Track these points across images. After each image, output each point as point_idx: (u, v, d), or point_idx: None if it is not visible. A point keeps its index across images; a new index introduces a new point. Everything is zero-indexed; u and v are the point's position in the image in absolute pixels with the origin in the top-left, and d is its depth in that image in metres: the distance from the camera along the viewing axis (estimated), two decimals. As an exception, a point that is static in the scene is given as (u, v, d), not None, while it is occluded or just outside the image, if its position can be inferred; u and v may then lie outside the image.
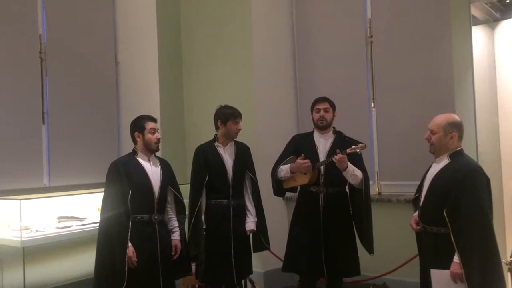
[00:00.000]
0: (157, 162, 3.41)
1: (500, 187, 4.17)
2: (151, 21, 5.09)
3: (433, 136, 2.85)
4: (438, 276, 2.73)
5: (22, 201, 3.84)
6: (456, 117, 2.89)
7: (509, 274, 3.79)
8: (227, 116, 3.52)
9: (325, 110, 3.55)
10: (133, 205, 3.18)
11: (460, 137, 2.83)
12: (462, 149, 2.85)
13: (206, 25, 5.22)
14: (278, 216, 4.64)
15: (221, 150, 3.57)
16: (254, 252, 3.64)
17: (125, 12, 5.30)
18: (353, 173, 3.38)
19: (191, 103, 5.33)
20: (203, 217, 3.51)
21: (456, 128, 2.82)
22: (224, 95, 4.84)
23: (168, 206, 3.43)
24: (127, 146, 4.51)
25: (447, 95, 4.08)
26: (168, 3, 5.27)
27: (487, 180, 2.75)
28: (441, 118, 2.85)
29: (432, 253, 2.81)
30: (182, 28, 5.41)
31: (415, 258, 3.75)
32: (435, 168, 2.88)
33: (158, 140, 3.33)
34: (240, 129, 3.56)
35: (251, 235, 3.61)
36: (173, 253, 3.34)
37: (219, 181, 3.52)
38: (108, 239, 3.15)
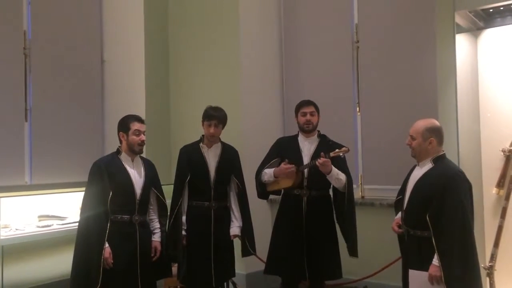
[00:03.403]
0: (141, 162, 3.38)
1: (481, 193, 4.22)
2: (138, 20, 5.07)
3: (413, 141, 2.90)
4: (416, 277, 2.78)
5: (2, 198, 3.78)
6: (434, 122, 2.93)
7: (487, 279, 3.86)
8: (204, 116, 3.49)
9: (311, 114, 3.56)
10: (114, 205, 3.16)
11: (440, 142, 2.88)
12: (444, 153, 2.90)
13: (193, 26, 5.21)
14: (262, 218, 4.64)
15: (204, 151, 3.54)
16: (242, 256, 3.61)
17: (112, 10, 5.27)
18: (337, 176, 3.39)
19: (177, 104, 5.32)
20: (183, 217, 3.48)
21: (434, 133, 2.86)
22: (210, 96, 4.84)
23: (151, 207, 3.41)
24: (111, 145, 4.47)
25: (430, 101, 4.13)
26: (156, 2, 5.25)
27: (469, 186, 2.81)
28: (419, 124, 2.90)
29: (415, 256, 2.84)
30: (169, 28, 5.40)
31: (397, 261, 3.80)
32: (418, 172, 2.92)
33: (142, 142, 3.29)
34: (211, 133, 3.44)
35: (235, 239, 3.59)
36: (152, 255, 3.32)
37: (200, 182, 3.50)
38: (86, 239, 3.13)
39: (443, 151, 2.90)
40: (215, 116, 3.45)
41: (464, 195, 2.72)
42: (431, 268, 2.69)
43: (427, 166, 2.87)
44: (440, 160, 2.85)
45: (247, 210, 3.60)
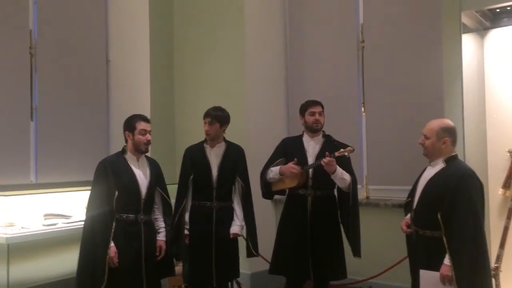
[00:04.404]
0: (146, 162, 3.39)
1: (487, 194, 4.19)
2: (143, 20, 5.07)
3: (426, 141, 2.88)
4: (427, 277, 2.76)
5: (7, 197, 3.79)
6: (449, 122, 2.92)
7: (493, 280, 3.84)
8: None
9: (320, 114, 3.57)
10: (119, 204, 3.17)
11: (453, 142, 2.87)
12: (456, 154, 2.88)
13: (198, 25, 5.21)
14: (266, 218, 4.64)
15: (208, 150, 3.55)
16: (247, 257, 3.61)
17: (117, 10, 5.28)
18: (341, 176, 3.39)
19: (182, 103, 5.32)
20: (186, 215, 3.50)
21: (449, 133, 2.85)
22: (215, 96, 4.85)
23: (155, 206, 3.42)
24: (116, 145, 4.49)
25: (436, 101, 4.11)
26: (161, 2, 5.26)
27: (481, 185, 2.80)
28: (434, 124, 2.89)
29: (424, 256, 2.83)
30: (174, 28, 5.40)
31: (401, 262, 3.79)
32: (430, 172, 2.90)
33: (148, 142, 3.30)
34: (206, 130, 3.49)
35: (240, 239, 3.58)
36: (157, 254, 3.33)
37: (203, 181, 3.51)
38: (91, 238, 3.14)
39: (456, 151, 2.89)
40: (209, 114, 3.48)
41: (475, 195, 2.71)
42: (443, 268, 2.68)
43: (439, 166, 2.86)
44: (452, 161, 2.84)
45: (251, 211, 3.59)
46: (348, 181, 3.42)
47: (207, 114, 3.50)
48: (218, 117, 3.48)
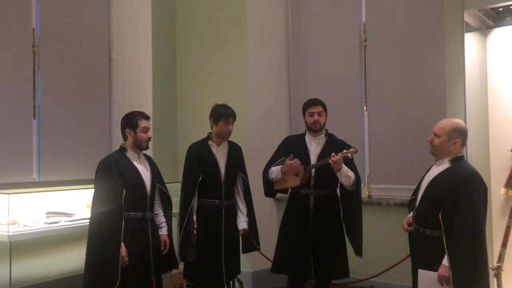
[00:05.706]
0: (145, 159, 3.40)
1: (489, 193, 4.19)
2: (145, 17, 5.08)
3: (436, 139, 2.85)
4: (425, 277, 2.76)
5: (10, 195, 3.80)
6: (461, 123, 2.89)
7: (495, 279, 3.84)
8: (218, 115, 3.50)
9: (319, 114, 3.55)
10: (127, 203, 3.15)
11: (463, 144, 2.85)
12: (463, 155, 2.86)
13: (201, 23, 5.22)
14: (268, 216, 4.65)
15: (214, 149, 3.55)
16: (243, 252, 3.63)
17: (120, 8, 5.28)
18: (346, 174, 3.39)
19: (184, 101, 5.32)
20: (194, 217, 3.49)
21: (460, 134, 2.82)
22: (217, 94, 4.84)
23: (155, 201, 3.41)
24: (119, 143, 4.48)
25: (438, 100, 4.11)
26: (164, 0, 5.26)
27: (484, 188, 2.77)
28: (446, 123, 2.86)
29: (423, 255, 2.83)
30: (176, 26, 5.40)
31: (403, 261, 3.79)
32: (435, 170, 2.89)
33: (149, 139, 3.31)
34: (230, 130, 3.51)
35: (240, 235, 3.60)
36: (162, 248, 3.34)
37: (211, 180, 3.51)
38: (100, 238, 3.11)
39: (463, 152, 2.87)
40: (232, 114, 3.50)
41: (478, 196, 2.68)
42: (441, 269, 2.67)
43: (444, 165, 2.84)
44: (458, 161, 2.82)
45: (252, 206, 3.63)
46: (353, 178, 3.42)
47: (230, 115, 3.48)
48: (235, 116, 3.54)
